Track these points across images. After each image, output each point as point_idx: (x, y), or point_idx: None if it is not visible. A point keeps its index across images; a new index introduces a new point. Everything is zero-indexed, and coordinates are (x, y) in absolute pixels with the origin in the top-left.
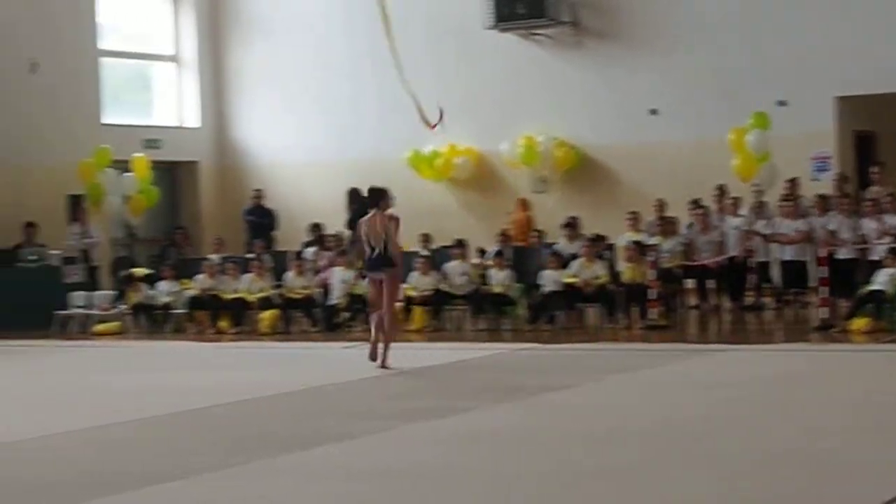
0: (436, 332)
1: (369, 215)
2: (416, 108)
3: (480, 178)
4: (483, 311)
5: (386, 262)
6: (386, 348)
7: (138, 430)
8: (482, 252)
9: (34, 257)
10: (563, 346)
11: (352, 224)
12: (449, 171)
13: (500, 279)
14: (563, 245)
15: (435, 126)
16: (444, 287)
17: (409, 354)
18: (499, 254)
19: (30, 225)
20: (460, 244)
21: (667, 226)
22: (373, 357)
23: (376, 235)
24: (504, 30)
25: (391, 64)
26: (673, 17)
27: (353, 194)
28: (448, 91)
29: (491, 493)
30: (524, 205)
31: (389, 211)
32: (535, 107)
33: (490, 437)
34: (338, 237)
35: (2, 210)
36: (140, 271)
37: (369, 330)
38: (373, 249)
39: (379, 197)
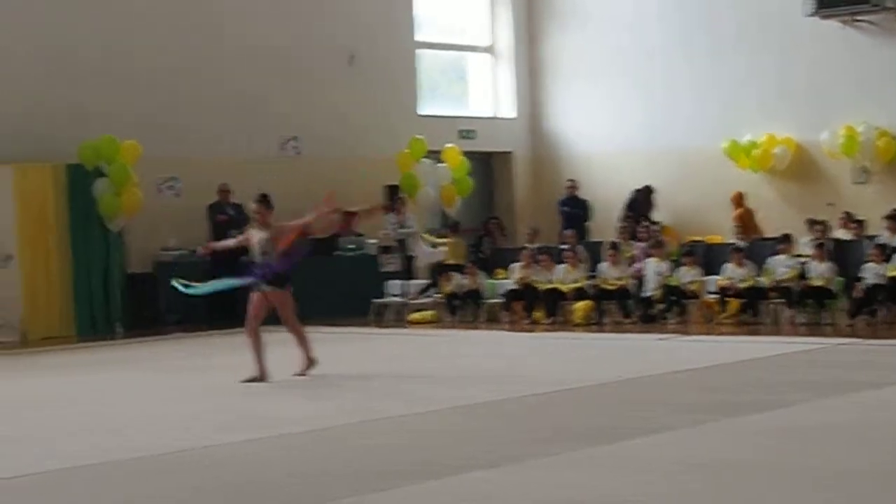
0: (752, 325)
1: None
2: None
3: (799, 168)
4: (802, 305)
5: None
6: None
7: (451, 417)
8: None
9: (352, 246)
10: (884, 341)
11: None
12: (767, 161)
13: (820, 272)
14: (886, 238)
15: None
16: (760, 281)
17: (726, 348)
18: (820, 246)
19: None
20: (786, 238)
21: None
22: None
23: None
24: (825, 16)
25: (706, 51)
26: None
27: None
28: (765, 79)
29: (805, 490)
30: (741, 199)
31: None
32: (855, 95)
33: (809, 433)
34: (650, 227)
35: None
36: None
37: (683, 321)
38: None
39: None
